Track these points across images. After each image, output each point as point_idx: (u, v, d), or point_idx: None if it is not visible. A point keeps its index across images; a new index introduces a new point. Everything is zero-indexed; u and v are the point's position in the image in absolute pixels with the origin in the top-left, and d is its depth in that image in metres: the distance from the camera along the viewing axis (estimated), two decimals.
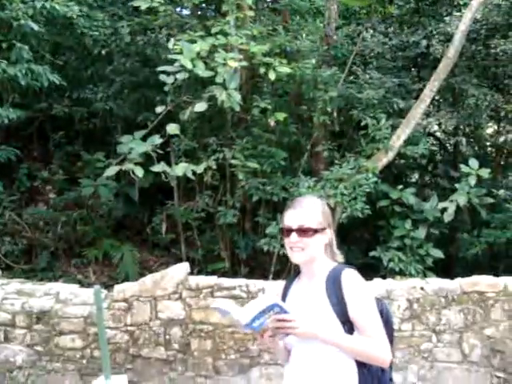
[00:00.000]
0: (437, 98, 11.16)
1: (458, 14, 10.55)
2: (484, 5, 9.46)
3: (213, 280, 6.59)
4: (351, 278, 2.65)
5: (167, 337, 6.51)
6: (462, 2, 10.50)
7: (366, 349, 2.58)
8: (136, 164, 7.74)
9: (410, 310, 6.52)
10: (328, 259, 2.78)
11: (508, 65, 10.85)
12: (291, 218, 2.72)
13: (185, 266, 6.66)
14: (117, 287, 6.64)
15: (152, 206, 10.12)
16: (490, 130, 13.29)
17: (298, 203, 2.76)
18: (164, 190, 9.68)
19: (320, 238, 2.72)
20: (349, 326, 2.62)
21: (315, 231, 2.68)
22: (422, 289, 6.56)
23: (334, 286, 2.63)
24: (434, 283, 6.71)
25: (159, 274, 6.63)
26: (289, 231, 2.70)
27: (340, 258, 2.84)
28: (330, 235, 2.78)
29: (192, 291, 6.49)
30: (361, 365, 2.62)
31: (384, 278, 7.20)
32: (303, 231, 2.67)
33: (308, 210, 2.71)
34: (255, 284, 6.52)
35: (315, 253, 2.72)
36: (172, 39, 8.15)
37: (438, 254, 8.53)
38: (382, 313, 2.77)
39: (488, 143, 13.06)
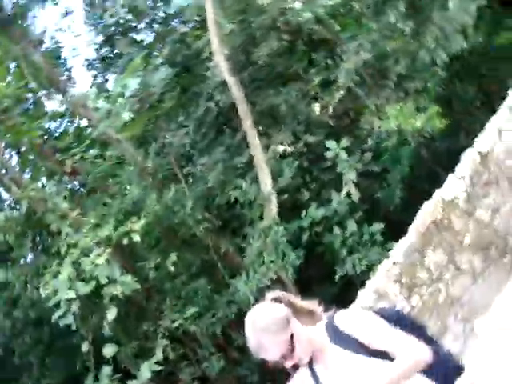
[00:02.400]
0: None
1: None
2: None
3: None
4: (343, 317, 2.76)
5: None
6: None
7: (400, 370, 2.59)
8: None
9: None
10: (314, 326, 2.80)
11: None
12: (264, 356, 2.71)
13: None
14: None
15: None
16: None
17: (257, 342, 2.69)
18: None
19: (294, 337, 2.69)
20: (380, 355, 2.64)
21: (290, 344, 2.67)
22: None
23: (340, 337, 2.71)
24: None
25: None
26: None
27: (318, 310, 2.89)
28: (294, 322, 2.74)
29: None
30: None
31: None
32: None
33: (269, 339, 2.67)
34: None
35: (304, 348, 2.71)
36: None
37: None
38: (389, 317, 2.77)
39: None
